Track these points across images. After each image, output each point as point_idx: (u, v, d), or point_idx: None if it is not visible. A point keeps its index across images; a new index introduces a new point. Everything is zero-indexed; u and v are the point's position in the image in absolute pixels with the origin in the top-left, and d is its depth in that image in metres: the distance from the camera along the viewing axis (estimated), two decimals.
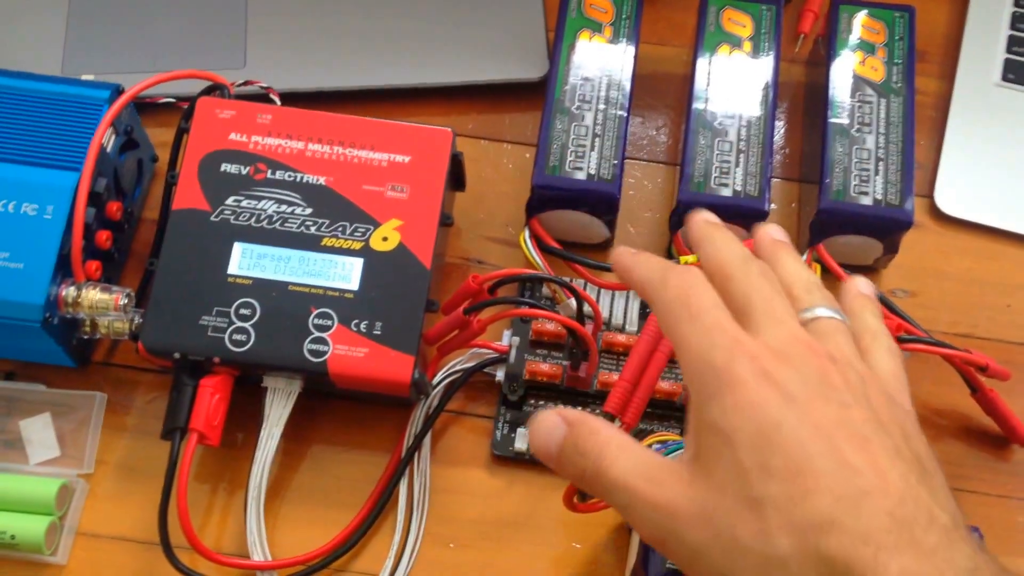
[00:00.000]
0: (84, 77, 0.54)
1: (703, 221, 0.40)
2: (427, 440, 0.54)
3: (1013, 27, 0.64)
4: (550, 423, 0.37)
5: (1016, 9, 0.64)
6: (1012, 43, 0.64)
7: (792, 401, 0.32)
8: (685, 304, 0.35)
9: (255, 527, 0.50)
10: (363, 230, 0.51)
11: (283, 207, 0.52)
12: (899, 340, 0.49)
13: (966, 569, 0.30)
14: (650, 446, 0.50)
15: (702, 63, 0.58)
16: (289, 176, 0.52)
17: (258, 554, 0.50)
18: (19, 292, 0.49)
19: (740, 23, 0.59)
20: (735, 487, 0.32)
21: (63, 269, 0.50)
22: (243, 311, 0.50)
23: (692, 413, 0.35)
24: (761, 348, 0.34)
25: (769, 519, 0.31)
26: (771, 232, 0.40)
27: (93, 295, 0.50)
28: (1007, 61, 0.63)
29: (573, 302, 0.52)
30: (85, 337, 0.52)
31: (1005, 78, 0.63)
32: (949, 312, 0.58)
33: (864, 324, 0.38)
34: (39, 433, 0.53)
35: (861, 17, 0.59)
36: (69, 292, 0.50)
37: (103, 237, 0.53)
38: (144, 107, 0.58)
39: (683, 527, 0.33)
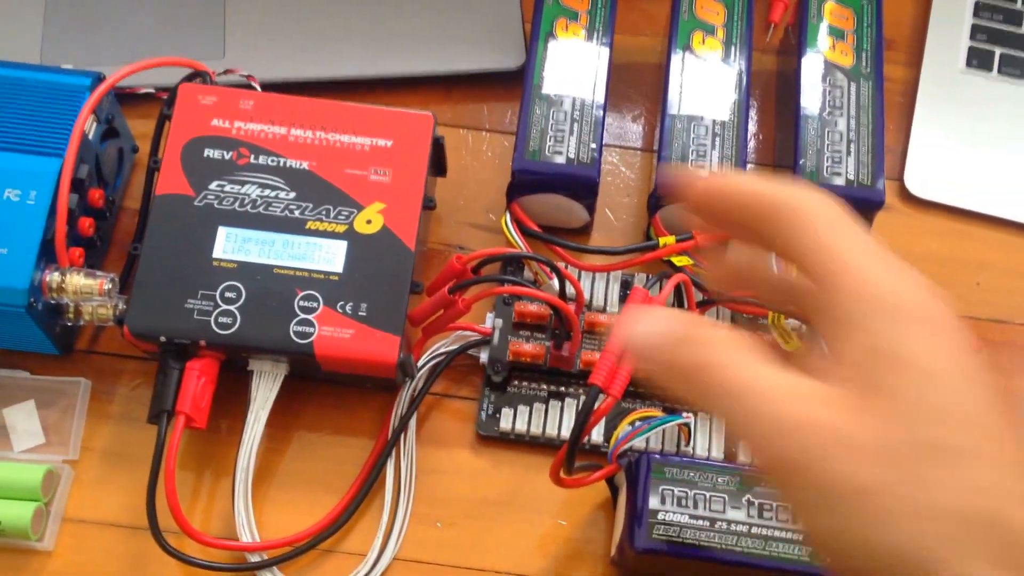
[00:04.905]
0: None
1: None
2: (412, 422, 0.54)
3: (976, 15, 0.66)
4: (659, 313, 0.33)
5: None
6: (975, 31, 0.65)
7: None
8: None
9: (243, 509, 0.51)
10: (347, 213, 0.52)
11: (267, 191, 0.52)
12: None
13: None
14: (632, 423, 0.51)
15: (676, 51, 0.59)
16: (272, 161, 0.53)
17: (246, 536, 0.50)
18: (3, 277, 0.49)
19: (713, 11, 0.60)
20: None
21: (47, 254, 0.50)
22: (228, 294, 0.50)
23: (854, 338, 0.31)
24: None
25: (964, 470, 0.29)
26: None
27: (78, 280, 0.50)
28: (971, 49, 0.65)
29: (555, 283, 0.53)
30: (69, 324, 0.52)
31: (969, 64, 0.65)
32: None
33: None
34: (23, 421, 0.53)
35: (830, 5, 0.60)
36: (53, 277, 0.50)
37: (86, 224, 0.53)
38: (124, 98, 0.58)
39: (852, 457, 0.29)
